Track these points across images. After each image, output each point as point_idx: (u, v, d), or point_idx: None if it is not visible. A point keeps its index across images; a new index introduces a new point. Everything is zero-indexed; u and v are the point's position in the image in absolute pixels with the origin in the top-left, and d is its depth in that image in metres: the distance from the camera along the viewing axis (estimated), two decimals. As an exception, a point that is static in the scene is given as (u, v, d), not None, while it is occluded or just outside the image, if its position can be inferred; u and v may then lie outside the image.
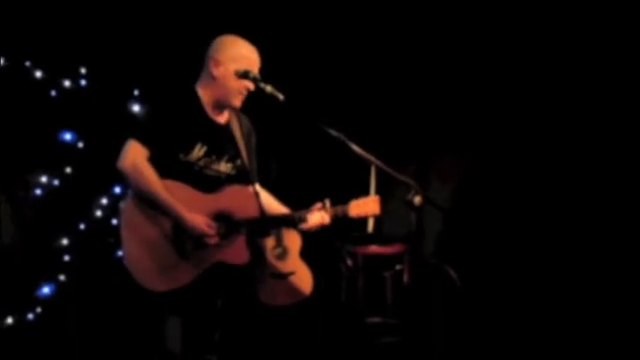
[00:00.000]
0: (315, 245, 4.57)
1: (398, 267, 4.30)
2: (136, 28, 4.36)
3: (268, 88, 2.74)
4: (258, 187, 2.95)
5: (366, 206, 2.83)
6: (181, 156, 2.64)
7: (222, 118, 2.80)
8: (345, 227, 4.41)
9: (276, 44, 4.68)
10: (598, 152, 4.24)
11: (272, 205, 2.94)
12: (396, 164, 2.79)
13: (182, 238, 2.61)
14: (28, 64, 4.09)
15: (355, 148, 2.71)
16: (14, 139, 4.06)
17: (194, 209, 2.60)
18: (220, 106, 2.76)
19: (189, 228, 2.57)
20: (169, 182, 2.60)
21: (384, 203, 2.86)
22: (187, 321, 2.69)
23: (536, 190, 4.44)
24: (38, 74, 4.12)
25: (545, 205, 4.39)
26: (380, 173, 2.71)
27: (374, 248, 4.34)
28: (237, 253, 2.69)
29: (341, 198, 2.93)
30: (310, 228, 2.83)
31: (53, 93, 4.19)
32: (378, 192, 2.76)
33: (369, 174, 2.73)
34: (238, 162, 2.79)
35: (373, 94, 4.92)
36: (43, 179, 4.16)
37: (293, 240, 4.59)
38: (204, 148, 2.68)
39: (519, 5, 4.41)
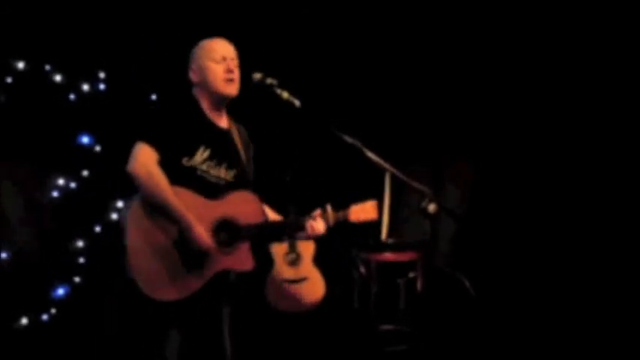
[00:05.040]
0: (328, 252, 4.59)
1: (411, 274, 4.28)
2: (154, 33, 4.40)
3: (285, 95, 2.75)
4: None
5: (364, 212, 2.86)
6: (185, 160, 2.61)
7: (223, 122, 2.78)
8: (359, 234, 4.45)
9: (292, 52, 4.73)
10: (615, 158, 4.22)
11: (270, 216, 2.91)
12: (410, 169, 2.80)
13: (187, 246, 2.57)
14: (47, 67, 4.14)
15: (370, 154, 2.72)
16: (33, 142, 4.10)
17: (200, 216, 2.57)
18: (217, 103, 2.74)
19: (194, 240, 2.53)
20: (178, 189, 2.57)
21: (398, 210, 2.86)
22: (189, 330, 2.62)
23: (551, 196, 4.43)
24: (57, 78, 4.16)
25: (561, 213, 4.37)
26: (394, 180, 2.71)
27: (387, 255, 4.33)
28: (242, 259, 2.66)
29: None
30: (310, 236, 2.79)
31: (72, 97, 4.23)
32: (392, 199, 2.75)
33: (383, 181, 2.73)
34: (238, 170, 2.76)
35: (388, 100, 4.94)
36: (60, 182, 4.20)
37: (306, 246, 4.60)
38: (207, 152, 2.65)
39: (540, 12, 4.41)
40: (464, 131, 4.78)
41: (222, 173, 2.70)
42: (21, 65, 4.02)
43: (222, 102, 2.75)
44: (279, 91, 2.75)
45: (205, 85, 2.71)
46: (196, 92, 2.75)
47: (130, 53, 4.35)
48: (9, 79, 4.00)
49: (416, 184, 2.69)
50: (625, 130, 4.21)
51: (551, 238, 4.38)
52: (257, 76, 2.79)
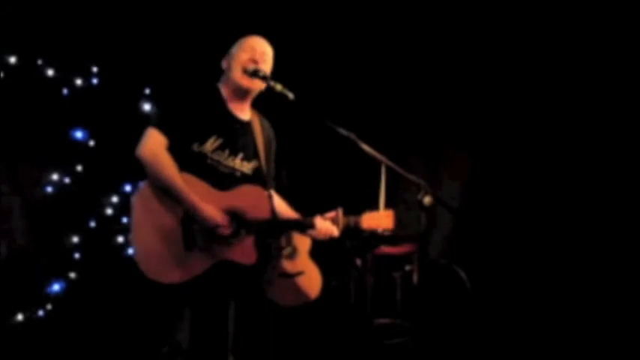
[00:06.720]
0: (324, 245, 4.58)
1: (407, 267, 4.28)
2: (147, 27, 4.38)
3: (278, 87, 2.74)
4: (272, 192, 2.93)
5: (379, 219, 2.78)
6: (195, 146, 2.63)
7: (244, 115, 2.79)
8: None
9: (285, 43, 4.70)
10: (611, 153, 4.22)
11: (284, 211, 2.92)
12: (406, 161, 2.78)
13: (192, 230, 2.59)
14: (40, 62, 4.12)
15: (365, 147, 2.70)
16: (26, 137, 4.08)
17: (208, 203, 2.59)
18: (237, 94, 2.75)
19: (203, 218, 2.56)
20: (186, 176, 2.59)
21: (393, 203, 2.83)
22: (195, 315, 2.64)
23: (548, 189, 4.42)
24: (50, 72, 4.14)
25: (558, 205, 4.37)
26: (390, 172, 2.69)
27: (384, 248, 4.32)
28: (246, 252, 2.65)
29: (350, 198, 2.91)
30: (318, 236, 2.77)
31: (65, 91, 4.21)
32: (387, 191, 2.74)
33: (379, 173, 2.71)
34: (255, 163, 2.78)
35: (385, 92, 4.92)
36: (55, 177, 4.18)
37: (303, 240, 4.58)
38: (219, 141, 2.67)
39: (537, 6, 4.40)
40: (461, 124, 4.77)
41: (237, 164, 2.71)
42: (13, 60, 3.99)
43: (241, 94, 2.76)
44: (272, 83, 2.74)
45: (229, 73, 2.74)
46: (222, 81, 2.78)
47: (123, 47, 4.33)
48: (1, 74, 3.98)
49: (412, 177, 2.68)
50: (621, 124, 4.21)
51: (547, 231, 4.38)
52: (250, 68, 2.77)
